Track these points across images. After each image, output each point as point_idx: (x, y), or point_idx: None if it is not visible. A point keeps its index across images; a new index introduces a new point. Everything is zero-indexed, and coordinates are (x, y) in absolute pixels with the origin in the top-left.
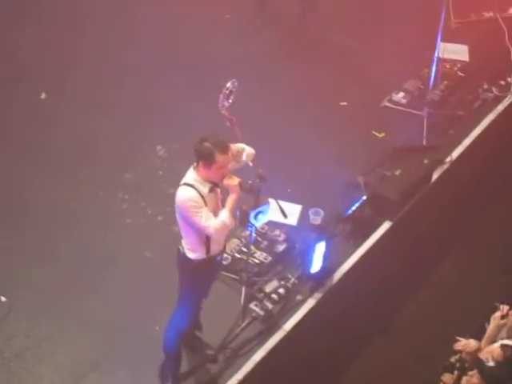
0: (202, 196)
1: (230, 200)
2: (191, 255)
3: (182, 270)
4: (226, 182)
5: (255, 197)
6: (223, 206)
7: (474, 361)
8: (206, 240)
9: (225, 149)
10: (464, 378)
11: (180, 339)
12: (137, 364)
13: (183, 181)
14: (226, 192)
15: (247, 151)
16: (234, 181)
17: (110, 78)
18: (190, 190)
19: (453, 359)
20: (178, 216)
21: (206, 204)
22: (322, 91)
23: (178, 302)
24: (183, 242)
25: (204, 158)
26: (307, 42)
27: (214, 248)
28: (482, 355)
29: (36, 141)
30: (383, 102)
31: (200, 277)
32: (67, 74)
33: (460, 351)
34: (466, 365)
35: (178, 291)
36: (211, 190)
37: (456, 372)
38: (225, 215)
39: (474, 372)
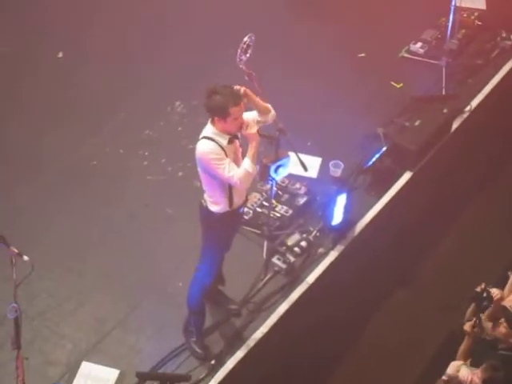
0: (221, 148)
1: (251, 148)
2: (214, 208)
3: (206, 224)
4: (245, 131)
5: (275, 150)
6: (243, 157)
7: (499, 309)
8: (229, 192)
9: (237, 100)
10: (486, 322)
11: (204, 294)
12: (161, 320)
13: (202, 134)
14: (245, 144)
15: (272, 112)
16: (253, 129)
17: (127, 36)
18: (209, 142)
19: (478, 289)
20: (200, 170)
21: (226, 155)
22: (340, 43)
23: (201, 258)
24: (205, 195)
25: (218, 113)
26: None
27: (237, 200)
28: (506, 303)
29: (55, 99)
30: (401, 53)
31: (223, 230)
32: (84, 33)
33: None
34: (492, 294)
35: (201, 246)
36: (230, 142)
37: (474, 320)
38: (247, 164)
39: (502, 321)
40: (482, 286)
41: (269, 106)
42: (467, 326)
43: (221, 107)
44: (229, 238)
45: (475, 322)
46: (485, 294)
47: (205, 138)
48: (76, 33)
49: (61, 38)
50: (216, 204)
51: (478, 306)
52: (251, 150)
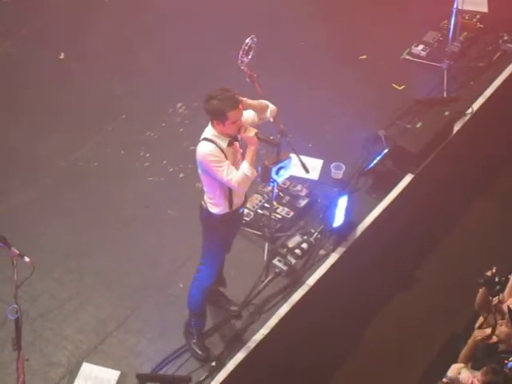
0: (221, 150)
1: (249, 151)
2: (214, 210)
3: (206, 226)
4: (243, 134)
5: (276, 152)
6: (243, 160)
7: (500, 312)
8: (229, 194)
9: (235, 103)
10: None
11: (204, 296)
12: (162, 322)
13: (202, 136)
14: (245, 146)
15: (271, 108)
16: (251, 132)
17: (129, 37)
18: (209, 144)
19: (489, 273)
20: (200, 171)
21: (226, 157)
22: (341, 45)
23: (201, 259)
24: (206, 197)
25: (216, 117)
26: None
27: (237, 201)
28: (510, 304)
29: (56, 100)
30: (403, 55)
31: (224, 231)
32: (86, 35)
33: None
34: (503, 278)
35: (201, 248)
36: (230, 144)
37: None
38: (245, 167)
39: (504, 320)
40: (493, 270)
41: (265, 102)
42: (478, 335)
43: (218, 111)
44: (229, 239)
45: (492, 331)
46: (497, 279)
47: (205, 139)
48: (77, 34)
49: (62, 39)
50: (216, 206)
51: (490, 291)
52: (249, 154)
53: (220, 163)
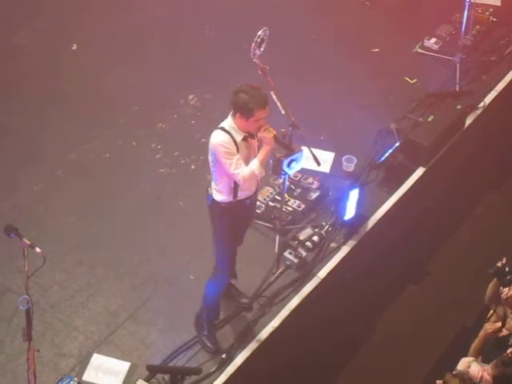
0: (235, 142)
1: (263, 151)
2: (218, 197)
3: (212, 214)
4: (262, 133)
5: (288, 145)
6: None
7: (511, 306)
8: (234, 185)
9: (264, 104)
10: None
11: (221, 293)
12: (172, 313)
13: (220, 125)
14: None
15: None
16: (270, 133)
17: (141, 28)
18: (223, 134)
19: (499, 264)
20: (210, 157)
21: (238, 151)
22: (354, 38)
23: (215, 253)
24: (213, 183)
25: (242, 111)
26: None
27: (241, 194)
28: None
29: (67, 92)
30: (415, 48)
31: (229, 220)
32: (98, 26)
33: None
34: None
35: (213, 242)
36: (245, 139)
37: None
38: (255, 165)
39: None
40: (503, 260)
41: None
42: (489, 328)
43: (246, 107)
44: (238, 230)
45: (503, 325)
46: (507, 269)
47: (221, 128)
48: (90, 25)
49: (75, 30)
50: (220, 193)
51: (501, 281)
52: (262, 153)
53: (229, 155)
